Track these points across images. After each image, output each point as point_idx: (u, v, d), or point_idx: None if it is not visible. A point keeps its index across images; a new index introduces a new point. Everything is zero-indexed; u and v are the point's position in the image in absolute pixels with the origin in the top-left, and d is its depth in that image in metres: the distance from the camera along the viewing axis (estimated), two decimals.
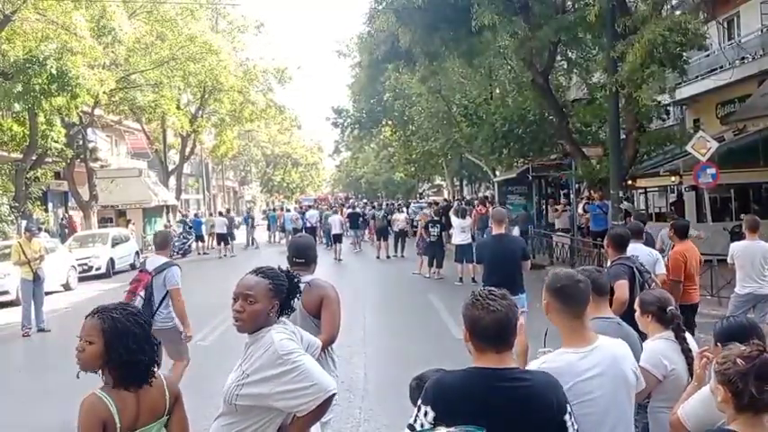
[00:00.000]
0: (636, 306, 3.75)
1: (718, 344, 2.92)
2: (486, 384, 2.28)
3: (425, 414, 2.29)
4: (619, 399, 2.73)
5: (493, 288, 2.41)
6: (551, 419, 2.32)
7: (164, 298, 6.41)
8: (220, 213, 31.25)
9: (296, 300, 3.03)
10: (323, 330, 4.10)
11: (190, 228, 28.97)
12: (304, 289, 4.11)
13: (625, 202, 16.89)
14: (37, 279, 11.90)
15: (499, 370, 2.30)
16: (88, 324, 2.53)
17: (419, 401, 2.34)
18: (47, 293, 12.89)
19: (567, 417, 2.34)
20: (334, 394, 2.73)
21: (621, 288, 5.08)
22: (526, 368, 2.66)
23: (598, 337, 2.80)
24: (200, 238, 28.70)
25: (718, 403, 2.28)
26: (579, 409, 2.57)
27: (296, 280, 3.01)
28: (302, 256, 4.39)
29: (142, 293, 6.20)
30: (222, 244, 26.33)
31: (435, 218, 17.77)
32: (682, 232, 7.20)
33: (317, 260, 4.50)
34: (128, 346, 2.49)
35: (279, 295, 2.85)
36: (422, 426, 2.27)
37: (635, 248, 6.14)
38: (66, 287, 17.42)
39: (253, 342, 2.81)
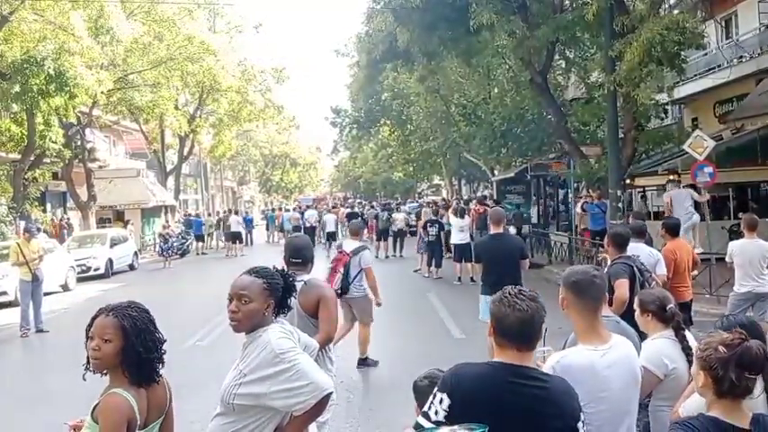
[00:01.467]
0: (635, 305, 3.75)
1: None
2: (504, 379, 2.29)
3: (441, 401, 2.30)
4: (630, 396, 2.82)
5: (524, 288, 2.44)
6: (564, 424, 2.32)
7: (358, 273, 7.79)
8: (236, 212, 31.26)
9: (292, 299, 3.02)
10: (320, 330, 4.11)
11: (189, 228, 29.06)
12: (301, 289, 4.12)
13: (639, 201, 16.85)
14: (35, 280, 11.86)
15: (518, 367, 2.32)
16: (104, 322, 2.50)
17: (435, 389, 2.36)
18: (45, 294, 12.86)
19: (579, 424, 2.35)
20: (330, 393, 2.73)
21: (622, 287, 5.07)
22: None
23: (612, 335, 2.86)
24: (199, 237, 28.75)
25: (699, 388, 2.33)
26: (596, 405, 2.66)
27: (291, 279, 3.00)
28: (299, 256, 4.40)
29: (341, 270, 7.58)
30: (237, 242, 26.29)
31: (433, 217, 17.77)
32: (673, 230, 7.22)
33: (313, 260, 4.51)
34: (146, 344, 2.51)
35: (274, 294, 2.85)
36: (436, 413, 2.29)
37: (636, 248, 6.13)
38: (65, 288, 17.39)
39: (250, 342, 2.80)
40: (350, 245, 8.01)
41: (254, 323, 2.79)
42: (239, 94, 31.92)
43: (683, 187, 13.16)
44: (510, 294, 2.38)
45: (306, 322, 4.14)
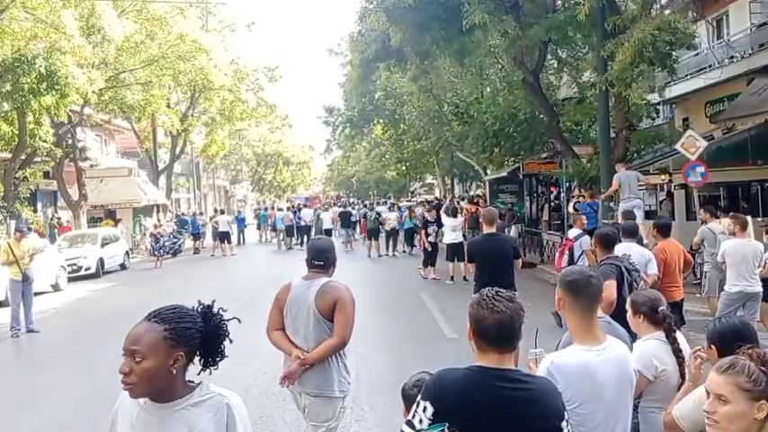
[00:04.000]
0: (627, 306, 3.76)
1: (712, 346, 2.93)
2: (487, 383, 2.28)
3: (424, 409, 2.29)
4: (624, 397, 2.83)
5: (501, 289, 2.42)
6: (548, 424, 2.32)
7: (580, 254, 9.58)
8: (222, 211, 31.24)
9: (222, 345, 2.29)
10: (335, 333, 4.05)
11: (183, 227, 29.08)
12: (318, 291, 4.06)
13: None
14: (26, 279, 11.79)
15: (500, 370, 2.31)
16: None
17: (419, 397, 2.35)
18: (36, 294, 12.78)
19: (563, 423, 2.35)
20: None
21: (610, 288, 5.07)
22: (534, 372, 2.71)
23: (607, 336, 2.87)
24: (196, 236, 28.90)
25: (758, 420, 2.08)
26: (591, 405, 2.68)
27: (218, 319, 2.28)
28: (321, 259, 4.31)
29: (567, 252, 9.58)
30: (225, 242, 26.28)
31: (429, 219, 17.81)
32: (664, 230, 7.24)
33: (335, 263, 4.41)
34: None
35: (184, 343, 2.13)
36: (420, 421, 2.28)
37: (628, 247, 6.15)
38: (56, 288, 17.29)
39: (167, 415, 2.12)
40: (573, 232, 10.12)
41: (157, 386, 2.09)
42: (232, 92, 31.84)
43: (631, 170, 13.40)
44: (487, 297, 2.36)
45: (322, 326, 4.06)
